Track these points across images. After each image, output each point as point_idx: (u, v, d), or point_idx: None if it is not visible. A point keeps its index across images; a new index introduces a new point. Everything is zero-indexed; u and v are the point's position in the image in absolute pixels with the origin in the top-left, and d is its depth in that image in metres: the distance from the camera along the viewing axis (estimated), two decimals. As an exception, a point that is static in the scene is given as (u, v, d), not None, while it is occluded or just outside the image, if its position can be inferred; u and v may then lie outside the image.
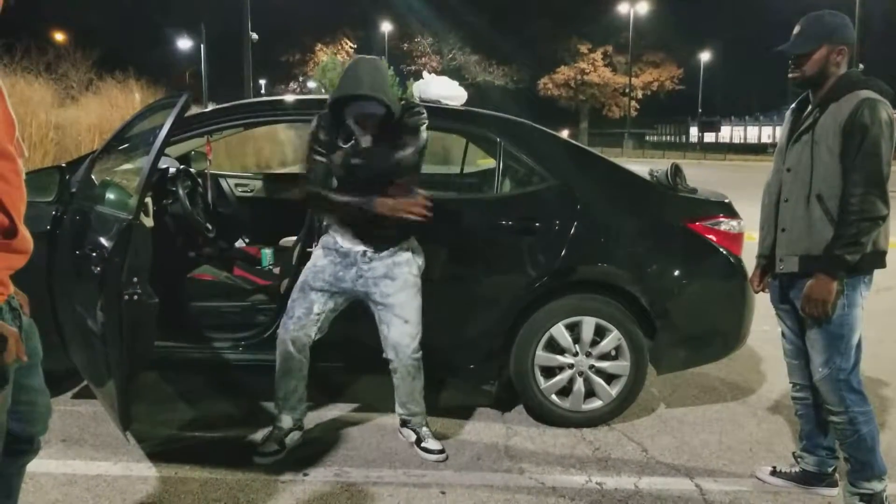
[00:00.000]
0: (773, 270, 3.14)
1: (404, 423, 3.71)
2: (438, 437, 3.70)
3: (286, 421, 3.59)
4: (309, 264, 3.57)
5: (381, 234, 3.43)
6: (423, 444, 3.60)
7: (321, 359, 3.63)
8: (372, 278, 3.46)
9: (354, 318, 3.61)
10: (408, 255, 3.51)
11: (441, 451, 3.57)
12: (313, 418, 3.94)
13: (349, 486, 3.27)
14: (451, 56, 59.34)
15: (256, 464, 3.44)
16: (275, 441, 3.55)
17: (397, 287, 3.47)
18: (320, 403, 4.13)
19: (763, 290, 3.34)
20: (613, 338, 3.86)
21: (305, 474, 3.37)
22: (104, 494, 3.15)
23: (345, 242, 3.46)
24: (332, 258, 3.48)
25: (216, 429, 3.85)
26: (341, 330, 3.63)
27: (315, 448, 3.62)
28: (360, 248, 3.45)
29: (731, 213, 4.06)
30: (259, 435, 3.73)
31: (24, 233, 1.70)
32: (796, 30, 2.99)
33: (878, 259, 2.94)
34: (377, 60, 3.35)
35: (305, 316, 3.49)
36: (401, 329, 3.48)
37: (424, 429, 3.66)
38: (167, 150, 4.15)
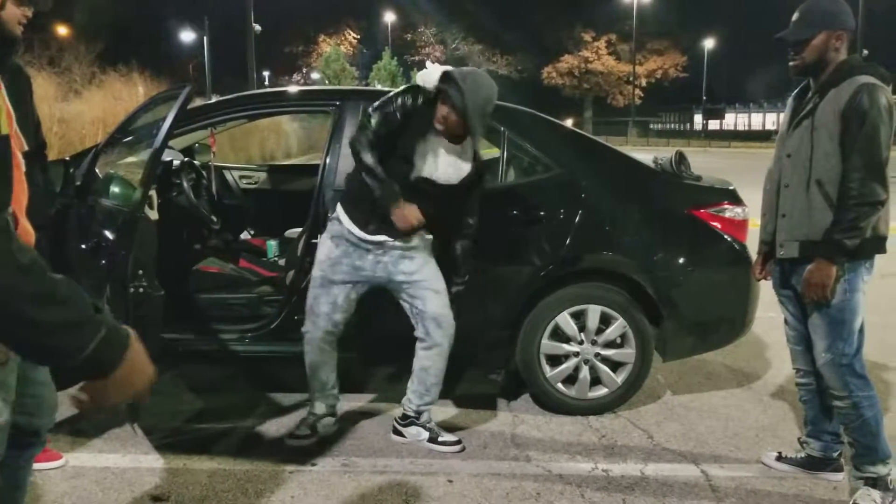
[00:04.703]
0: (775, 256, 3.14)
1: (411, 422, 3.62)
2: (445, 426, 3.72)
3: (319, 407, 3.64)
4: (321, 257, 3.49)
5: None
6: (440, 439, 3.57)
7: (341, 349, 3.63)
8: (391, 261, 3.45)
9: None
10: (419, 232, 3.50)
11: (458, 442, 3.57)
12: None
13: (357, 476, 3.28)
14: (454, 46, 59.26)
15: (289, 448, 3.51)
16: (307, 426, 3.60)
17: (419, 263, 3.47)
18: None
19: (765, 278, 3.34)
20: (619, 326, 3.86)
21: (313, 464, 3.39)
22: (112, 486, 3.17)
23: (358, 231, 3.40)
24: (345, 248, 3.43)
25: (223, 420, 3.87)
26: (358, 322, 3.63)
27: (322, 438, 3.63)
28: (378, 238, 3.40)
29: (736, 199, 4.05)
30: (267, 425, 3.76)
31: (26, 226, 1.70)
32: (795, 16, 2.99)
33: (879, 244, 2.94)
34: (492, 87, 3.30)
35: (332, 311, 3.47)
36: (437, 300, 3.47)
37: (433, 423, 3.63)
38: (171, 143, 4.16)
